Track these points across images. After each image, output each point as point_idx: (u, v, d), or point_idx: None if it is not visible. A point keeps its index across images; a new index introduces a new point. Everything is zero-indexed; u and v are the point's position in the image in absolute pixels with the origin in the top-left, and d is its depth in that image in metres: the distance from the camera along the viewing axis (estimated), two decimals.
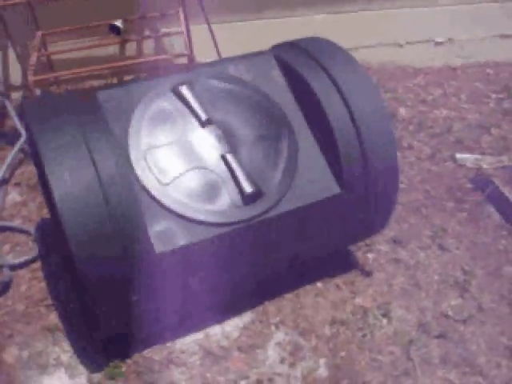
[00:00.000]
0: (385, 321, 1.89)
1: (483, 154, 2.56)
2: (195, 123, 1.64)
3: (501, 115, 2.86)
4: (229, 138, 1.64)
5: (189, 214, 1.53)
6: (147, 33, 2.76)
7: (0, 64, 2.69)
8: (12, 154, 2.35)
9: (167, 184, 1.55)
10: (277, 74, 1.79)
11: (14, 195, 2.34)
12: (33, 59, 2.42)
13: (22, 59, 2.63)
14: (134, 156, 1.55)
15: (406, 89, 3.04)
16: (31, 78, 2.32)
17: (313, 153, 1.70)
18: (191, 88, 1.67)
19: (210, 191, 1.58)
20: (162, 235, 1.50)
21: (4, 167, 2.33)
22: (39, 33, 2.58)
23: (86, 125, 1.49)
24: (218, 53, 2.65)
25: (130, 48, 2.80)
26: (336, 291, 1.97)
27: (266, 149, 1.66)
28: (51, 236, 2.10)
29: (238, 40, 2.85)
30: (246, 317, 1.89)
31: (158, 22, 2.69)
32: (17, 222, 2.21)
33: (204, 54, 2.67)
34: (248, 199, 1.58)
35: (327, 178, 1.69)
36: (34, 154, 1.90)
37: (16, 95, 2.73)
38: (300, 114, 1.74)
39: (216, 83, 1.73)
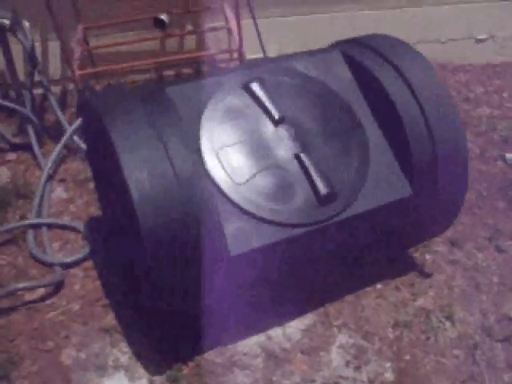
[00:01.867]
0: (448, 323, 1.85)
1: None
2: (267, 121, 1.60)
3: None
4: (301, 137, 1.60)
5: (264, 214, 1.49)
6: (190, 27, 2.71)
7: (40, 57, 2.63)
8: (57, 149, 2.30)
9: (241, 184, 1.50)
10: (344, 71, 1.75)
11: (59, 192, 2.29)
12: (77, 52, 2.38)
13: (63, 52, 2.57)
14: (207, 155, 1.51)
15: (448, 86, 2.99)
16: (78, 72, 2.28)
17: (383, 152, 1.66)
18: (262, 85, 1.63)
19: (284, 192, 1.54)
20: (237, 237, 1.46)
21: (49, 163, 2.28)
22: (80, 26, 2.54)
23: (161, 124, 1.45)
24: (263, 49, 2.60)
25: (173, 42, 2.74)
26: (396, 293, 1.93)
27: (339, 147, 1.62)
28: (103, 234, 2.06)
29: (279, 35, 2.81)
30: (307, 319, 1.85)
31: (201, 17, 2.63)
32: (65, 219, 2.16)
33: (247, 49, 2.62)
34: (323, 200, 1.54)
35: (399, 178, 1.65)
36: (90, 151, 1.86)
37: (55, 89, 2.67)
38: (369, 112, 1.70)
39: (285, 80, 1.68)
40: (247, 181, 1.51)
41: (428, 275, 1.99)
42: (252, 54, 2.64)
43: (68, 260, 1.98)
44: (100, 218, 2.12)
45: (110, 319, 1.84)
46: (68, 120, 2.45)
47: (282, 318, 1.84)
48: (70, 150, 2.44)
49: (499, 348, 1.79)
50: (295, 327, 1.84)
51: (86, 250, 2.02)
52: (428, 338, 1.81)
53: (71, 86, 2.68)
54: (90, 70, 2.32)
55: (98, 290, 1.92)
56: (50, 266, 1.98)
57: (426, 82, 1.66)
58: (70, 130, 2.34)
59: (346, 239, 1.66)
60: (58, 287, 1.92)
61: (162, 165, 1.37)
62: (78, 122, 2.29)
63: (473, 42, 3.08)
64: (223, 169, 1.51)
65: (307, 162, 1.55)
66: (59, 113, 2.40)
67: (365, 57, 1.74)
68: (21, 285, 1.84)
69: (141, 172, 1.35)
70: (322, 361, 1.75)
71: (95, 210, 2.19)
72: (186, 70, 2.84)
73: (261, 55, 2.65)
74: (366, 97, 1.72)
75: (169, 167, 1.37)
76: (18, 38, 2.30)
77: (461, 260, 2.05)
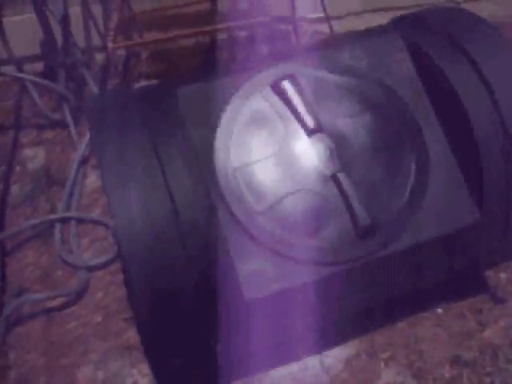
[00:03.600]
0: None
1: None
2: (300, 131, 1.30)
3: None
4: (341, 151, 1.30)
5: (288, 251, 1.23)
6: None
7: (81, 26, 2.42)
8: None
9: (263, 212, 1.24)
10: (404, 60, 1.40)
11: (92, 178, 2.12)
12: (113, 22, 2.15)
13: (103, 19, 2.34)
14: (221, 175, 1.25)
15: None
16: (110, 46, 2.05)
17: (448, 169, 1.33)
18: (295, 83, 1.32)
19: (315, 221, 1.26)
20: (254, 278, 1.22)
21: (83, 145, 2.11)
22: None
23: (159, 136, 1.21)
24: (324, 8, 2.26)
25: (223, 4, 2.45)
26: (460, 321, 1.63)
27: (389, 165, 1.31)
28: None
29: None
30: (350, 348, 1.60)
31: None
32: (96, 212, 2.00)
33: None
34: (364, 232, 1.25)
35: (464, 200, 1.32)
36: None
37: (99, 57, 2.46)
38: (433, 117, 1.36)
39: (325, 75, 1.37)
40: (270, 208, 1.24)
41: (500, 300, 1.67)
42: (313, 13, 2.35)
43: (94, 263, 1.82)
44: None
45: (132, 335, 1.67)
46: None
47: (321, 346, 1.61)
48: None
49: None
50: (336, 357, 1.59)
51: (115, 250, 1.85)
52: (493, 383, 1.52)
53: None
54: (122, 44, 2.09)
55: (123, 300, 1.75)
56: (75, 267, 1.84)
57: (508, 82, 1.30)
58: None
59: (400, 274, 1.37)
60: (80, 294, 1.78)
61: (157, 197, 1.13)
62: None
63: None
64: (241, 193, 1.25)
65: (346, 184, 1.26)
66: (95, 89, 2.21)
67: (431, 42, 1.39)
68: (38, 296, 1.71)
69: (129, 204, 1.12)
70: None
71: None
72: (240, 33, 2.54)
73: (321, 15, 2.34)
74: (431, 95, 1.38)
75: (166, 200, 1.13)
76: (47, 7, 2.09)
77: None
